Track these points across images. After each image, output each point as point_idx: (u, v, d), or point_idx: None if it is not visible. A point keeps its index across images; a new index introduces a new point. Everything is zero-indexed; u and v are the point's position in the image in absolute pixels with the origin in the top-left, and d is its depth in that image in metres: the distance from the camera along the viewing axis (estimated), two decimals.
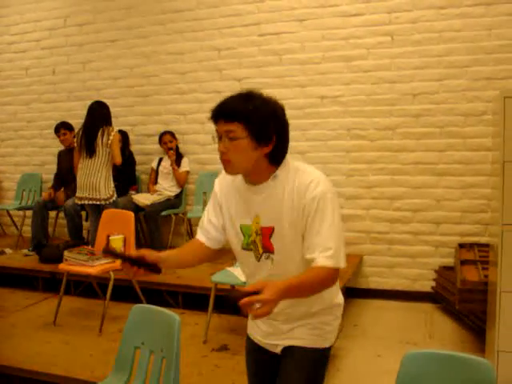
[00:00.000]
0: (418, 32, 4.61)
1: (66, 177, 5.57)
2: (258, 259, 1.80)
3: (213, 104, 1.71)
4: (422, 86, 4.63)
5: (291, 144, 5.55)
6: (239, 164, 1.71)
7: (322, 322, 1.86)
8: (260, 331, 1.95)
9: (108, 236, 4.13)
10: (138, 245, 4.32)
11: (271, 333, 1.91)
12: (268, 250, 1.77)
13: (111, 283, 3.90)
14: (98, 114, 4.85)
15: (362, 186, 4.87)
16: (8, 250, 5.65)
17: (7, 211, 6.39)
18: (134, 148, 5.66)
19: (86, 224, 5.46)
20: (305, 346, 1.85)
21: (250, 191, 1.79)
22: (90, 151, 4.79)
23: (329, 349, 1.91)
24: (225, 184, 1.88)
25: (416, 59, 4.63)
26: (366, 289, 4.90)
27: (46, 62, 6.19)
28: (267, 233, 1.76)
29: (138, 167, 5.70)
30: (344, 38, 4.84)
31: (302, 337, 1.86)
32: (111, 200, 4.77)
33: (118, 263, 3.98)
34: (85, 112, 4.95)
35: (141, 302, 3.78)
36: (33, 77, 6.30)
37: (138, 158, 5.66)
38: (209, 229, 1.89)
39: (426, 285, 4.69)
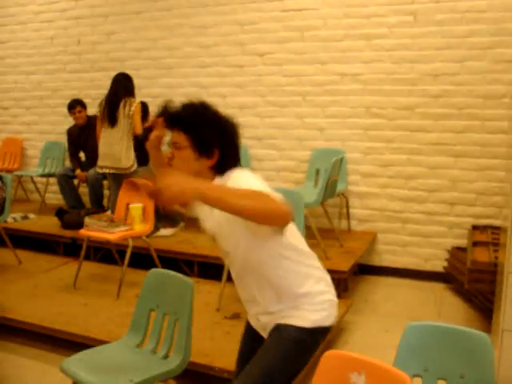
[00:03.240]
0: (441, 12, 4.58)
1: (89, 154, 5.70)
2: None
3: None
4: (443, 67, 4.63)
5: (311, 121, 5.59)
6: (181, 171, 1.78)
7: (295, 311, 1.86)
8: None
9: (128, 204, 4.25)
10: (157, 214, 4.43)
11: (251, 315, 2.02)
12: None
13: (129, 250, 4.01)
14: (122, 85, 4.93)
15: (379, 165, 4.91)
16: (32, 215, 5.82)
17: (31, 178, 6.57)
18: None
19: (106, 192, 5.61)
20: (284, 323, 1.85)
21: None
22: (112, 121, 4.89)
23: (310, 331, 1.85)
24: None
25: (438, 39, 4.61)
26: (379, 266, 4.98)
27: (71, 32, 6.27)
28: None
29: None
30: (366, 16, 4.83)
31: (278, 319, 1.88)
32: (132, 169, 4.88)
33: (136, 231, 4.10)
34: (108, 83, 5.02)
35: None
36: (58, 47, 6.38)
37: None
38: None
39: (438, 265, 4.74)
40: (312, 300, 1.87)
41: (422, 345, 1.87)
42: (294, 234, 1.87)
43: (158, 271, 2.59)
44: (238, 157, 1.88)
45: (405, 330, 1.91)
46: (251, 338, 2.05)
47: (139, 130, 4.88)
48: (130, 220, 4.17)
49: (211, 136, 1.80)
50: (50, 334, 3.50)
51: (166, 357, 2.45)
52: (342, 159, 4.64)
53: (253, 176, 1.77)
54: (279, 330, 1.86)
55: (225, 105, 5.46)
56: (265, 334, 1.95)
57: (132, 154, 4.90)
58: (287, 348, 1.84)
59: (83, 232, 4.16)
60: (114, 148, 4.88)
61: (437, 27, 4.61)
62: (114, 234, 4.01)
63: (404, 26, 4.71)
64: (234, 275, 1.97)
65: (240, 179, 1.74)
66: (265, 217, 1.54)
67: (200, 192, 1.49)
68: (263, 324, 1.95)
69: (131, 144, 4.91)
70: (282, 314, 1.87)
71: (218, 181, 1.82)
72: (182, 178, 1.54)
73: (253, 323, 2.03)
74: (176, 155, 1.83)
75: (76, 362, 2.38)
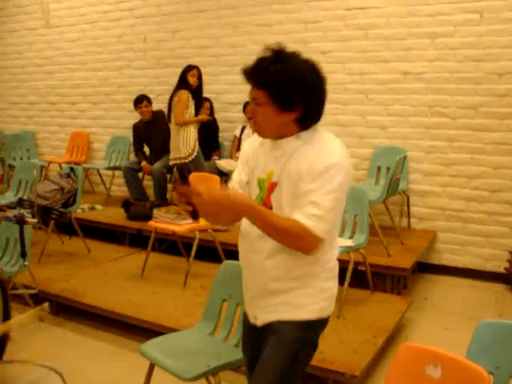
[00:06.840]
0: (508, 10, 4.50)
1: (154, 147, 5.92)
2: None
3: None
4: (508, 66, 4.56)
5: (373, 118, 5.58)
6: (266, 127, 1.79)
7: (297, 295, 1.83)
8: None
9: None
10: None
11: (249, 299, 1.98)
12: (266, 205, 1.79)
13: (196, 242, 4.14)
14: (180, 79, 5.13)
15: (441, 163, 4.89)
16: (98, 207, 6.07)
17: (97, 170, 6.83)
18: (218, 115, 5.88)
19: (169, 186, 5.80)
20: (283, 320, 1.82)
21: (272, 147, 1.83)
22: (169, 115, 5.12)
23: (310, 324, 1.83)
24: (254, 141, 1.96)
25: (504, 38, 4.54)
26: (438, 265, 4.96)
27: (138, 30, 6.47)
28: (270, 188, 1.81)
29: (221, 134, 5.93)
30: (430, 14, 4.80)
31: (277, 309, 1.84)
32: (191, 157, 5.03)
33: (202, 224, 4.23)
34: (172, 80, 5.25)
35: (221, 262, 4.03)
36: (125, 44, 6.61)
37: (222, 126, 5.90)
38: (235, 186, 1.95)
39: (499, 265, 4.69)
40: (320, 283, 1.85)
41: (494, 342, 1.90)
42: None
43: (231, 263, 2.70)
44: (321, 111, 1.79)
45: (477, 327, 1.94)
46: (251, 341, 2.03)
47: (178, 119, 5.02)
48: None
49: (292, 89, 1.70)
50: (121, 319, 3.69)
51: (237, 345, 2.56)
52: (405, 158, 4.66)
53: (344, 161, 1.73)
54: (278, 332, 1.82)
55: None
56: (253, 320, 1.93)
57: (190, 142, 5.04)
58: (291, 352, 1.81)
59: (152, 223, 4.31)
60: (173, 140, 5.12)
61: (503, 25, 4.55)
62: (181, 227, 4.14)
63: (470, 25, 4.66)
64: (247, 242, 1.90)
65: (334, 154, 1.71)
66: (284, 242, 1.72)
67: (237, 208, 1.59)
68: (260, 306, 1.90)
69: (188, 133, 5.05)
70: (285, 295, 1.83)
71: (302, 135, 1.78)
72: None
73: (247, 310, 2.00)
74: (258, 111, 1.76)
75: (154, 346, 2.53)
